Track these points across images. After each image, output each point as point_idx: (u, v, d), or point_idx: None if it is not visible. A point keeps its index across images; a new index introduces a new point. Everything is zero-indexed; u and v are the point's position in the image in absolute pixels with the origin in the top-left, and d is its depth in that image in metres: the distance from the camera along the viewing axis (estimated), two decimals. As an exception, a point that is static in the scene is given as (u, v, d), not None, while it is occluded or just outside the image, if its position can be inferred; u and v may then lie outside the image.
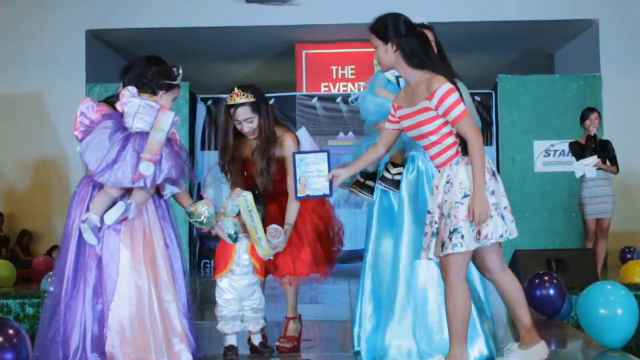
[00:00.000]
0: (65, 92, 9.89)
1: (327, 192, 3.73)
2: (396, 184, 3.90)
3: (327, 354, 4.23)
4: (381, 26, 3.47)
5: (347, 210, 11.13)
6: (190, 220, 3.83)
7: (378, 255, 3.95)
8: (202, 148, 10.61)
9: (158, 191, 3.78)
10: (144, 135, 3.56)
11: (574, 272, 6.63)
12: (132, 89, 3.65)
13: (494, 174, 3.40)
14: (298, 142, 4.17)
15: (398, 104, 3.55)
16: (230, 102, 4.00)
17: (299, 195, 3.75)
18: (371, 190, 4.04)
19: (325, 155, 3.74)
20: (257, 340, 3.98)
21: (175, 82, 3.72)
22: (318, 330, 4.33)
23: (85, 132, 3.63)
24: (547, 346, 3.57)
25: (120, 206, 3.59)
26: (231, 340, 3.90)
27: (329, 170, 3.70)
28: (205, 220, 3.79)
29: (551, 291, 5.33)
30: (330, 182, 3.70)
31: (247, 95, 3.98)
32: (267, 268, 4.05)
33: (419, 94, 3.41)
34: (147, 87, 3.67)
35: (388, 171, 3.94)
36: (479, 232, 3.30)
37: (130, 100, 3.61)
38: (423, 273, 3.79)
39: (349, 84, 11.36)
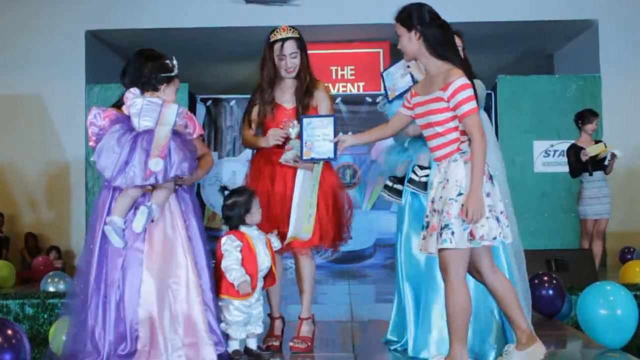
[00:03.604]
0: (65, 93, 9.90)
1: (332, 155, 3.82)
2: (424, 186, 3.99)
3: (327, 354, 4.23)
4: (406, 15, 3.48)
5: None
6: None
7: (410, 254, 4.04)
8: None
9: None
10: (151, 132, 3.58)
11: (574, 273, 6.63)
12: (134, 90, 3.69)
13: (490, 178, 3.41)
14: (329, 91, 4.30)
15: (415, 91, 3.59)
16: (277, 37, 4.10)
17: (304, 157, 3.85)
18: (400, 193, 4.16)
19: (331, 119, 3.85)
20: (253, 344, 3.97)
21: (173, 74, 3.73)
22: (318, 330, 4.32)
23: (97, 140, 3.66)
24: (543, 346, 3.57)
25: (143, 212, 3.62)
26: (236, 345, 3.88)
27: (335, 134, 3.80)
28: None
29: (551, 291, 5.34)
30: (335, 146, 3.79)
31: (293, 31, 4.12)
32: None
33: (436, 84, 3.44)
34: (148, 85, 3.70)
35: (415, 173, 4.05)
36: (472, 234, 3.31)
37: (134, 101, 3.64)
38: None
39: (349, 85, 11.36)
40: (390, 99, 4.12)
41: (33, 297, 6.28)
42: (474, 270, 3.54)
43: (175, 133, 3.62)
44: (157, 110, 3.61)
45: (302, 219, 3.94)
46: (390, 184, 4.20)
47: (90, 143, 3.71)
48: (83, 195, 9.88)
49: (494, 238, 3.33)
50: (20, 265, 9.35)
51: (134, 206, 3.69)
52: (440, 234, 3.33)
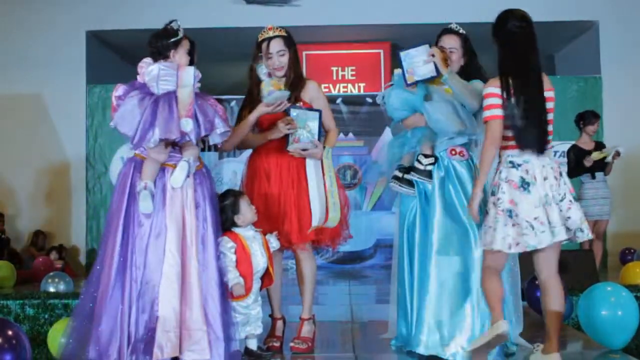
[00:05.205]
0: (65, 93, 9.89)
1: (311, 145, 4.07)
2: (429, 174, 3.97)
3: (327, 355, 4.22)
4: None
5: (347, 212, 11.12)
6: (271, 94, 4.04)
7: (412, 246, 4.04)
8: (202, 150, 10.62)
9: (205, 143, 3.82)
10: (172, 94, 3.59)
11: (575, 274, 6.62)
12: (147, 60, 3.74)
13: (522, 185, 3.73)
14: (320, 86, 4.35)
15: None
16: (264, 36, 4.20)
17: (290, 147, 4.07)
18: (411, 184, 4.06)
19: (317, 114, 4.07)
20: (254, 345, 3.98)
21: (179, 37, 3.77)
22: (318, 331, 4.32)
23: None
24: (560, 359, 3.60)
25: (183, 166, 3.58)
26: (236, 346, 3.86)
27: (319, 129, 4.03)
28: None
29: (551, 292, 5.32)
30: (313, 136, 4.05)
31: (280, 30, 4.22)
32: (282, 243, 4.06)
33: None
34: (157, 54, 3.73)
35: (420, 162, 4.00)
36: None
37: (149, 68, 3.67)
38: (450, 264, 3.89)
39: (349, 85, 11.35)
40: (408, 82, 4.00)
41: (33, 298, 6.28)
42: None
43: (197, 95, 3.64)
44: (175, 74, 3.64)
45: (324, 208, 3.98)
46: (400, 174, 4.07)
47: (112, 122, 3.65)
48: (83, 195, 9.87)
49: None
50: (19, 266, 9.32)
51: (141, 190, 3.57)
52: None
